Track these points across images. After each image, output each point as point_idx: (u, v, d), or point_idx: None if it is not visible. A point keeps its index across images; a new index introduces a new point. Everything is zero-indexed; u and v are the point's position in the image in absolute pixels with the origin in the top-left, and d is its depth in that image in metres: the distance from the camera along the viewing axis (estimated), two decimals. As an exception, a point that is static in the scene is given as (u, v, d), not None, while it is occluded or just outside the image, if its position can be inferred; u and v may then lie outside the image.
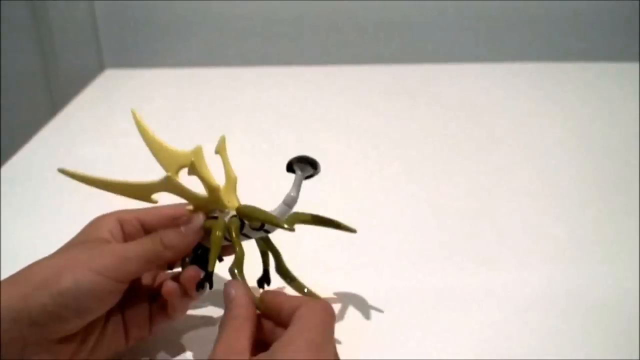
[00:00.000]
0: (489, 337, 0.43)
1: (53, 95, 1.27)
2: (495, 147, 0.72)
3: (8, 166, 0.69)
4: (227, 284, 0.37)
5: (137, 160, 0.71)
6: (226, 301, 0.36)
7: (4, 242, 0.54)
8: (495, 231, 0.56)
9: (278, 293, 0.38)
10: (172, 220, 0.40)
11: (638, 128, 0.75)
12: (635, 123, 0.76)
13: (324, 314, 0.34)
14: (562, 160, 0.69)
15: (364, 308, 0.46)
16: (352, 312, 0.45)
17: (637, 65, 0.92)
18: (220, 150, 0.41)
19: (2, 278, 0.48)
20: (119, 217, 0.40)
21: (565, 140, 0.73)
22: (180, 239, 0.38)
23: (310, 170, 0.39)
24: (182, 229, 0.39)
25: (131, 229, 0.41)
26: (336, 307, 0.46)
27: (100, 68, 1.16)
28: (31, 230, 0.57)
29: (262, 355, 0.32)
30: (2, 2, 1.20)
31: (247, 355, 0.33)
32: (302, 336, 0.32)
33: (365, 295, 0.47)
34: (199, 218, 0.39)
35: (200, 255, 0.40)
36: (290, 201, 0.39)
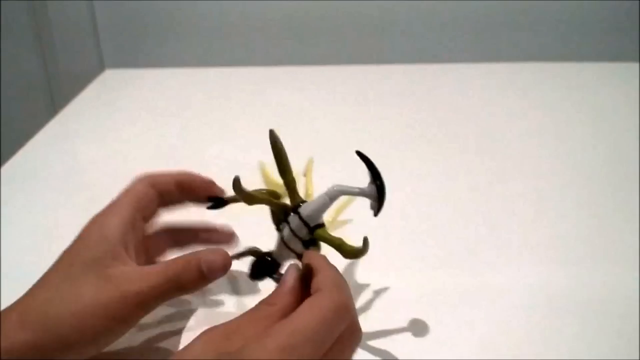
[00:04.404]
0: (488, 337, 0.43)
1: (53, 95, 1.27)
2: (495, 147, 0.72)
3: (8, 166, 0.69)
4: (290, 265, 0.35)
5: (137, 160, 0.71)
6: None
7: (4, 242, 0.54)
8: (495, 231, 0.56)
9: (317, 259, 0.35)
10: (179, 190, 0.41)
11: (638, 128, 0.75)
12: (635, 123, 0.76)
13: (327, 312, 0.31)
14: (561, 161, 0.69)
15: (363, 308, 0.46)
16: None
17: (637, 65, 0.92)
18: (307, 172, 0.41)
19: (2, 279, 0.49)
20: (127, 221, 0.38)
21: (565, 140, 0.73)
22: (200, 282, 0.36)
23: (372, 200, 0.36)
24: (205, 269, 0.35)
25: (168, 195, 0.41)
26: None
27: (100, 68, 1.16)
28: (31, 230, 0.57)
29: (244, 346, 0.30)
30: (2, 2, 1.20)
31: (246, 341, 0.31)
32: (281, 336, 0.30)
33: (364, 295, 0.47)
34: (225, 257, 0.36)
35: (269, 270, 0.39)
36: (333, 194, 0.36)
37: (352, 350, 0.34)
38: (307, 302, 0.31)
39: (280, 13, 1.15)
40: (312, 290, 0.33)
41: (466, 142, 0.73)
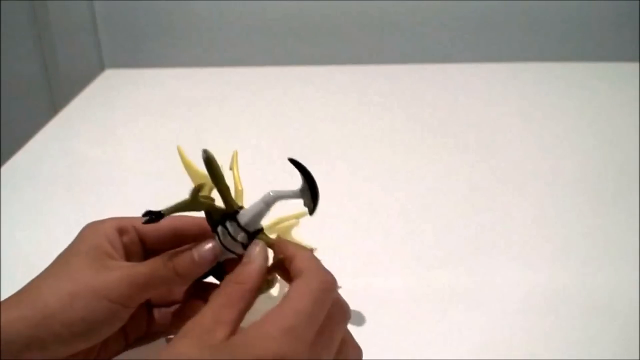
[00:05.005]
0: (487, 337, 0.43)
1: (53, 95, 1.27)
2: (494, 147, 0.72)
3: (8, 166, 0.69)
4: (254, 243, 0.36)
5: (136, 160, 0.71)
6: (243, 258, 0.35)
7: (4, 242, 0.54)
8: (495, 231, 0.56)
9: (289, 245, 0.36)
10: (171, 237, 0.39)
11: (638, 128, 0.75)
12: (635, 123, 0.76)
13: (316, 291, 0.32)
14: (561, 161, 0.69)
15: (363, 308, 0.46)
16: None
17: (637, 65, 0.92)
18: (233, 166, 0.41)
19: (2, 278, 0.49)
20: (119, 226, 0.38)
21: (565, 140, 0.73)
22: (193, 268, 0.36)
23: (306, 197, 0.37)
24: (196, 256, 0.36)
25: (129, 240, 0.39)
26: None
27: (100, 68, 1.16)
28: (31, 230, 0.57)
29: (237, 335, 0.30)
30: (2, 2, 1.20)
31: (229, 328, 0.31)
32: (281, 319, 0.30)
33: (364, 295, 0.47)
34: (215, 246, 0.37)
35: (214, 269, 0.39)
36: (270, 200, 0.37)
37: (343, 326, 0.34)
38: (297, 285, 0.32)
39: (280, 13, 1.15)
40: (293, 275, 0.34)
41: (466, 142, 0.73)
